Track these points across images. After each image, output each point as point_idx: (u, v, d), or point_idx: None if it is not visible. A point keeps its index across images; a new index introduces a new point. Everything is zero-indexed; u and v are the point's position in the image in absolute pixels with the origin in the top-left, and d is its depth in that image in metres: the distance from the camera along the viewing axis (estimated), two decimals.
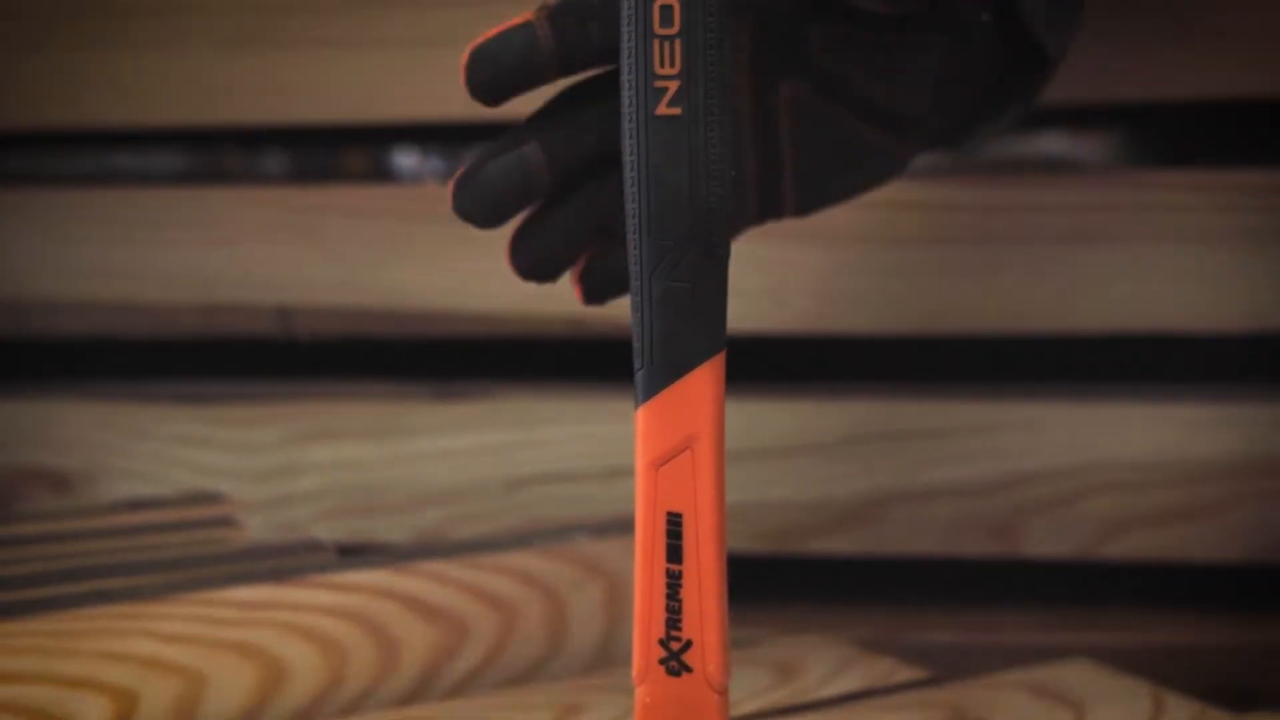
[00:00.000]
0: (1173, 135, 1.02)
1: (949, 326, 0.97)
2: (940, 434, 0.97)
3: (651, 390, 0.60)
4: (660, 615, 0.61)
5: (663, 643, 0.61)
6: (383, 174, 1.08)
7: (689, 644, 0.61)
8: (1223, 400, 0.96)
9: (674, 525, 0.61)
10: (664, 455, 0.60)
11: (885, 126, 0.73)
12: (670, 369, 0.60)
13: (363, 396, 1.03)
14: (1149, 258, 0.95)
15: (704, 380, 0.60)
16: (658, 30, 0.57)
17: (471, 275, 1.00)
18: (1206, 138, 1.00)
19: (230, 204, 1.02)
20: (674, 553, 0.61)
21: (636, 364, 0.60)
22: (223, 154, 1.09)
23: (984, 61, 0.73)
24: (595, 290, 0.71)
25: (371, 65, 1.00)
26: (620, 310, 0.99)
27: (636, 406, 0.60)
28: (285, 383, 1.05)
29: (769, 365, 1.01)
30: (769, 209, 0.74)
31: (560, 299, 1.00)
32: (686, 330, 0.59)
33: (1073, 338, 0.97)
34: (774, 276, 0.97)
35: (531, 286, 1.00)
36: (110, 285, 1.03)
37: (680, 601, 0.61)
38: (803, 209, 0.74)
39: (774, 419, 0.98)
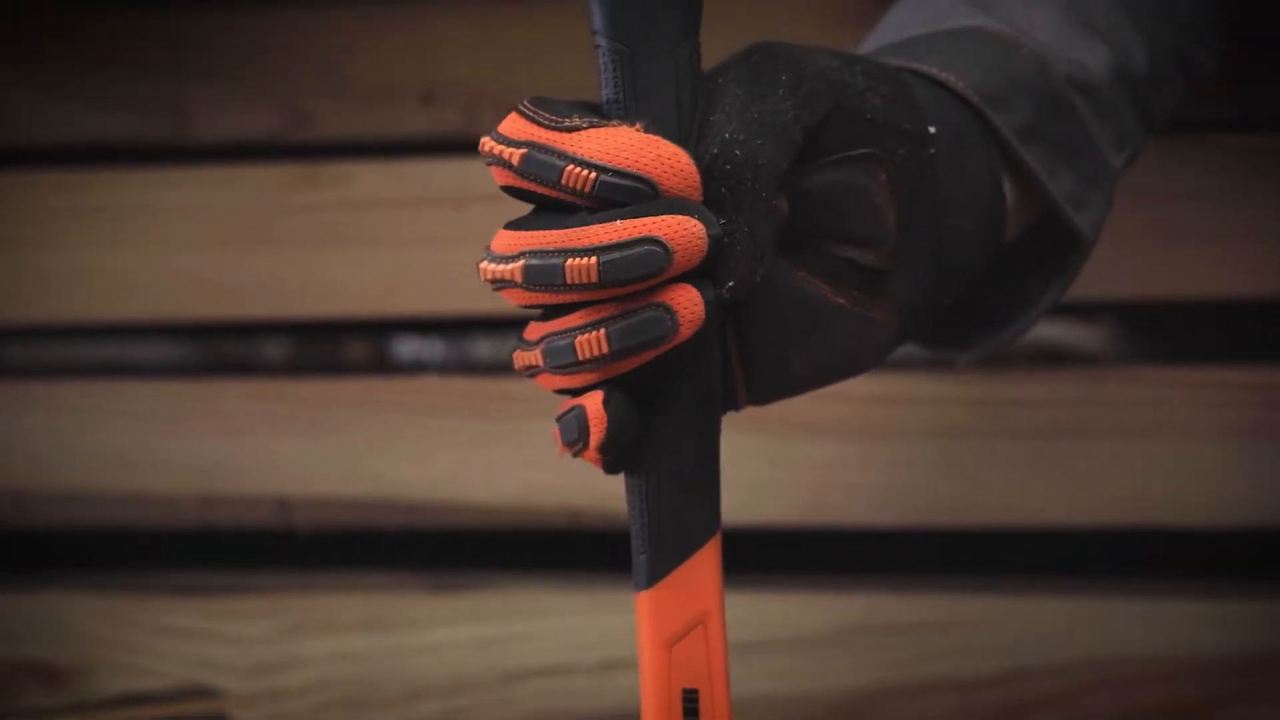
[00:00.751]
0: (1163, 332, 1.03)
1: (943, 519, 0.97)
2: (935, 628, 0.97)
3: (661, 572, 0.61)
4: None
5: None
6: (384, 365, 1.09)
7: None
8: (1218, 596, 0.96)
9: (690, 702, 0.61)
10: (678, 633, 0.61)
11: (849, 280, 0.63)
12: (680, 549, 0.61)
13: (359, 588, 1.03)
14: (1140, 453, 0.95)
15: (710, 557, 0.61)
16: None
17: (470, 466, 1.01)
18: (1195, 335, 1.02)
19: (232, 395, 1.03)
20: None
21: (639, 548, 0.61)
22: (224, 346, 1.10)
23: (977, 220, 0.67)
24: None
25: (373, 261, 1.01)
26: (615, 502, 1.00)
27: (640, 589, 0.61)
28: (283, 574, 1.05)
29: (765, 557, 1.01)
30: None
31: (557, 490, 1.01)
32: (693, 511, 0.61)
33: (1066, 532, 0.97)
34: (772, 469, 0.97)
35: (528, 478, 1.01)
36: (111, 476, 1.03)
37: None
38: (761, 394, 0.64)
39: (768, 611, 0.98)
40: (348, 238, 1.01)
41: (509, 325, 1.06)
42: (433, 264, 1.01)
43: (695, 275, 0.59)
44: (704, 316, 0.58)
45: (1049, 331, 1.02)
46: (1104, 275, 0.95)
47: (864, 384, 0.97)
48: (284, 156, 1.03)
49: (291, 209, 1.02)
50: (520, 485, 1.00)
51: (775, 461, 0.97)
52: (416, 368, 1.07)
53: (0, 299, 1.04)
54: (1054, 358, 1.02)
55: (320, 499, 1.02)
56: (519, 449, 1.00)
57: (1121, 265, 0.95)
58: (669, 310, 0.58)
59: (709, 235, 0.57)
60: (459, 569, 1.04)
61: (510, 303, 0.60)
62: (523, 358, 0.60)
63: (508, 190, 0.59)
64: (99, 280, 1.03)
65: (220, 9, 1.03)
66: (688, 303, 0.58)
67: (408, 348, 1.08)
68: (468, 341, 1.08)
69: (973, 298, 0.72)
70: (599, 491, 0.99)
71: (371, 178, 1.01)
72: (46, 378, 1.05)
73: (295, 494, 1.02)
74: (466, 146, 1.02)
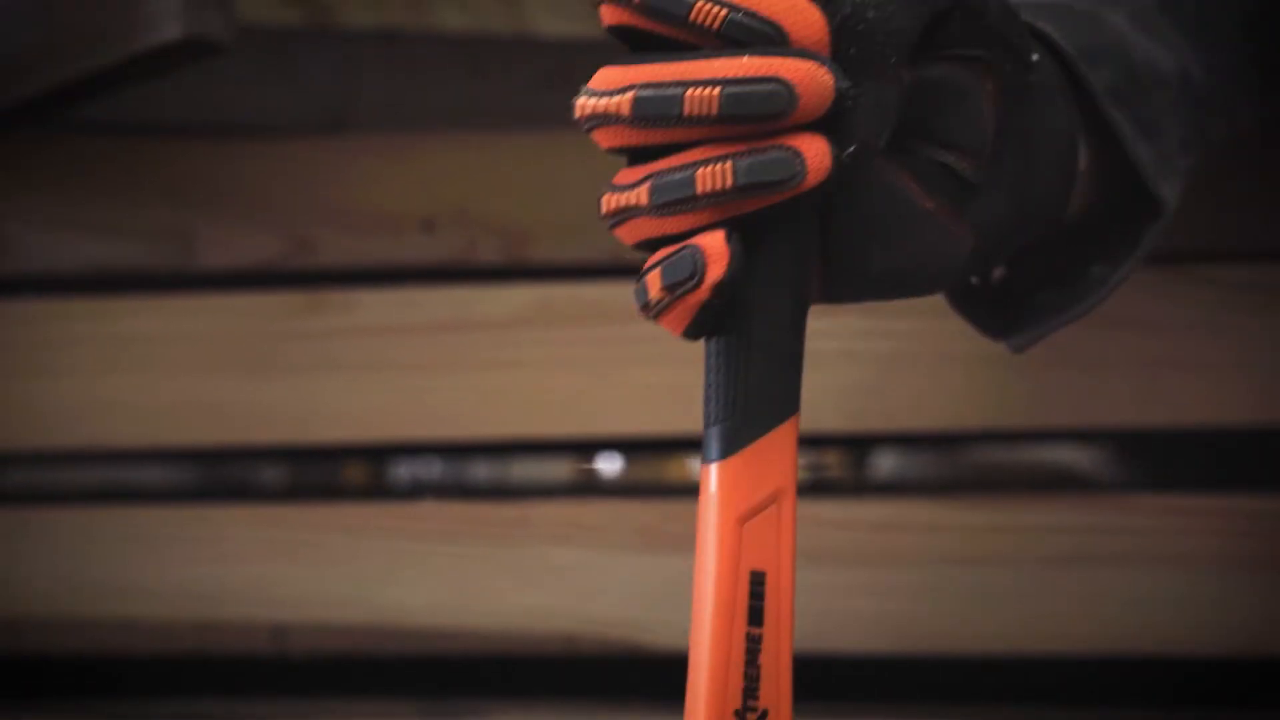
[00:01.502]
0: (1160, 459, 1.03)
1: (939, 647, 0.97)
2: None
3: (740, 443, 0.57)
4: (738, 684, 0.57)
5: (738, 714, 0.57)
6: (382, 489, 1.09)
7: (765, 714, 0.57)
8: None
9: (757, 585, 0.57)
10: (752, 509, 0.57)
11: (940, 185, 0.61)
12: (762, 421, 0.57)
13: (356, 716, 1.02)
14: (1138, 580, 0.95)
15: (789, 435, 0.57)
16: None
17: (467, 592, 1.01)
18: (1192, 463, 1.02)
19: (229, 521, 1.03)
20: (755, 615, 0.57)
21: (717, 417, 0.57)
22: (222, 471, 1.10)
23: (1057, 170, 0.65)
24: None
25: (372, 386, 1.02)
26: (610, 628, 1.00)
27: (713, 460, 0.57)
28: (279, 702, 1.04)
29: None
30: None
31: (554, 616, 1.01)
32: (778, 383, 0.57)
33: (1064, 660, 0.97)
34: None
35: (525, 604, 1.01)
36: (107, 603, 1.03)
37: (759, 668, 0.57)
38: (835, 290, 0.60)
39: None
40: (348, 363, 1.02)
41: (507, 450, 1.06)
42: (432, 389, 1.01)
43: (816, 130, 0.56)
44: (830, 168, 0.55)
45: (1047, 456, 1.03)
46: (1101, 403, 0.96)
47: (860, 510, 0.98)
48: (285, 283, 1.03)
49: (292, 335, 1.02)
50: (516, 611, 1.00)
51: None
52: (415, 493, 1.07)
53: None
54: (1053, 482, 1.02)
55: (316, 625, 1.02)
56: (516, 574, 1.00)
57: (1118, 394, 0.96)
58: (798, 154, 0.55)
59: (836, 86, 0.55)
60: (456, 696, 1.03)
61: (602, 143, 0.56)
62: (615, 199, 0.57)
63: (616, 30, 0.56)
64: (97, 406, 1.03)
65: (222, 138, 1.04)
66: (817, 151, 0.55)
67: (406, 472, 1.08)
68: (466, 466, 1.08)
69: (1030, 287, 0.71)
70: (594, 617, 0.99)
71: (372, 304, 1.02)
72: (43, 504, 1.05)
73: (291, 620, 1.02)
74: (466, 274, 1.03)
